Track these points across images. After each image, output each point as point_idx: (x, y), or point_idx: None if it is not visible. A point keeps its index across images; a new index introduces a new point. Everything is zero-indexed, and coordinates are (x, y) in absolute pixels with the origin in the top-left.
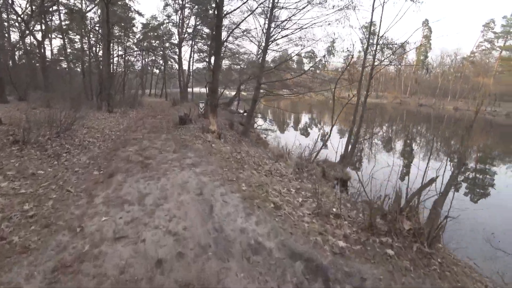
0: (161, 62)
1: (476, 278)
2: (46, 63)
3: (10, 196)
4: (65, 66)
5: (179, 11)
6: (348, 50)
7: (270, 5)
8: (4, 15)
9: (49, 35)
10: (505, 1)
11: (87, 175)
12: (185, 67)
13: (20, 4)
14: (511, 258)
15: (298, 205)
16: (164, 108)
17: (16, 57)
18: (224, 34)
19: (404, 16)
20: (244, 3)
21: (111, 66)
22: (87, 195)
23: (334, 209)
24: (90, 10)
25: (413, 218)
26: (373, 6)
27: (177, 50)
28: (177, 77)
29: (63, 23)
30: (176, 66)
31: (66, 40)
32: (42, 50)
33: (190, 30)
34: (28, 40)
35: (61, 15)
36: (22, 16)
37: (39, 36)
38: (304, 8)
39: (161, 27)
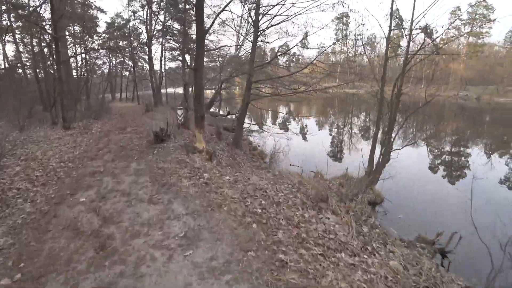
0: (130, 63)
1: None
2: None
3: None
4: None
5: (146, 6)
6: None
7: None
8: None
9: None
10: None
11: None
12: (156, 67)
13: None
14: None
15: None
16: (135, 116)
17: None
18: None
19: None
20: None
21: (71, 71)
22: None
23: None
24: (39, 6)
25: None
26: None
27: (146, 49)
28: (149, 78)
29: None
30: (147, 66)
31: (20, 44)
32: None
33: (159, 27)
34: None
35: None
36: None
37: None
38: None
39: (128, 25)
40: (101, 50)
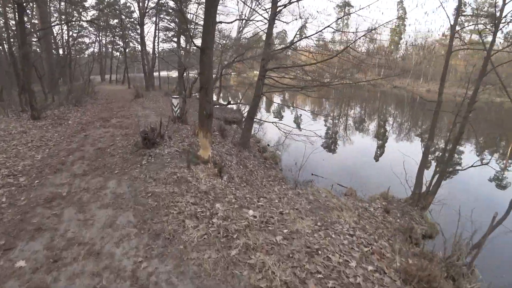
0: (121, 43)
1: None
2: None
3: None
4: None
5: None
6: None
7: None
8: None
9: None
10: None
11: None
12: (149, 48)
13: None
14: None
15: None
16: (124, 102)
17: None
18: None
19: None
20: None
21: (51, 47)
22: None
23: None
24: None
25: None
26: None
27: (138, 28)
28: (141, 60)
29: None
30: (139, 47)
31: None
32: None
33: (152, 5)
34: None
35: None
36: None
37: None
38: None
39: (119, 1)
40: (85, 25)
